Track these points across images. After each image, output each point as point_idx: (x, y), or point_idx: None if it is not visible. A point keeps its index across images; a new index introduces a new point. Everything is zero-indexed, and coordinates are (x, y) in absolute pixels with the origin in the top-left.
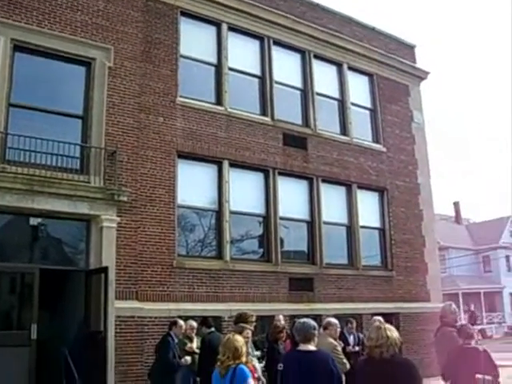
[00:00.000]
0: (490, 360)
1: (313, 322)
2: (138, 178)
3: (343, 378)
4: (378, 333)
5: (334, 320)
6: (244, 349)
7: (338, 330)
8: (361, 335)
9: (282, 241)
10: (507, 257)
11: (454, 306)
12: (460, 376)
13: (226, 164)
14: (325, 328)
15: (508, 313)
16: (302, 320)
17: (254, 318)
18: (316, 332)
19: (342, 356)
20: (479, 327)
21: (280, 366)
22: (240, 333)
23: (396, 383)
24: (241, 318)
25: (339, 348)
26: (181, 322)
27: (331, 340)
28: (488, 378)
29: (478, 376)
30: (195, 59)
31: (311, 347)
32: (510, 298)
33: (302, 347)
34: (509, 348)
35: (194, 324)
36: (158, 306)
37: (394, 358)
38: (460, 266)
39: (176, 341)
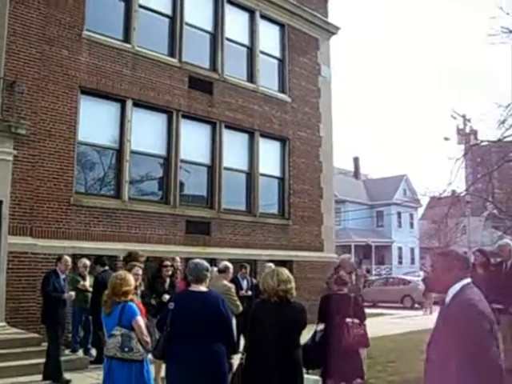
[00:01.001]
0: (358, 305)
1: (206, 264)
2: (38, 112)
3: (234, 320)
4: (288, 276)
5: (230, 264)
6: (132, 287)
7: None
8: (254, 280)
9: (181, 184)
10: (399, 213)
11: (352, 259)
12: (332, 320)
13: (129, 103)
14: (221, 271)
15: (395, 265)
16: (196, 261)
17: (144, 258)
18: (208, 274)
19: (236, 298)
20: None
21: (171, 305)
22: (129, 270)
23: (290, 325)
24: (131, 257)
25: (233, 290)
26: (65, 258)
27: (226, 282)
28: (356, 321)
29: (348, 320)
30: None
31: (202, 288)
32: (398, 251)
33: (194, 288)
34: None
35: (88, 262)
36: (53, 243)
37: (292, 302)
38: (354, 219)
39: (63, 277)
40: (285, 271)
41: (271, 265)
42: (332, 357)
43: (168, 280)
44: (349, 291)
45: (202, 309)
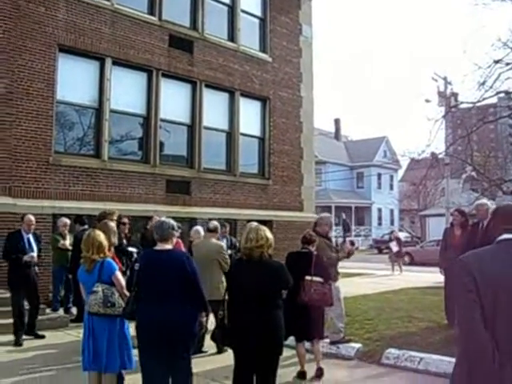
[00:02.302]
0: (321, 264)
1: (172, 222)
2: (15, 70)
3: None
4: (258, 234)
5: (218, 223)
6: (106, 243)
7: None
8: (233, 239)
9: (161, 143)
10: (379, 175)
11: (331, 219)
12: (294, 277)
13: (108, 61)
14: (212, 230)
15: (374, 227)
16: (162, 219)
17: (115, 216)
18: (175, 232)
19: (227, 256)
20: (349, 238)
21: (136, 266)
22: (101, 228)
23: (267, 284)
24: (103, 215)
25: (225, 248)
26: (28, 217)
27: (216, 241)
28: (317, 279)
29: (307, 277)
30: None
31: (168, 246)
32: (378, 213)
33: (159, 246)
34: (369, 259)
35: (67, 221)
36: (32, 203)
37: (269, 260)
38: (335, 180)
39: (27, 236)
40: (262, 229)
41: (256, 223)
42: (290, 314)
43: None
44: (318, 249)
45: (167, 268)
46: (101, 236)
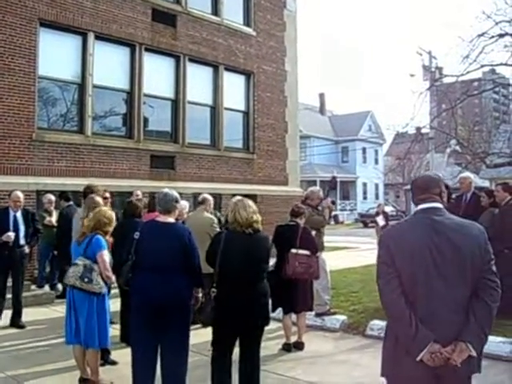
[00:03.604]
0: (307, 236)
1: (175, 195)
2: None
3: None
4: (251, 208)
5: (209, 196)
6: (109, 227)
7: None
8: (218, 214)
9: (145, 118)
10: (364, 149)
11: (321, 192)
12: (281, 250)
13: (91, 36)
14: (200, 203)
15: (360, 201)
16: (165, 191)
17: (101, 192)
18: (178, 205)
19: (217, 230)
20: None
21: (136, 235)
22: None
23: (260, 255)
24: (89, 189)
25: (216, 223)
26: (14, 194)
27: (208, 214)
28: (303, 252)
29: (292, 250)
30: None
31: (170, 219)
32: (363, 187)
33: (161, 218)
34: (354, 232)
35: (53, 197)
36: (16, 180)
37: (259, 233)
38: (320, 154)
39: (12, 214)
40: (251, 202)
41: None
42: (278, 287)
43: None
44: (306, 223)
45: (168, 240)
46: (107, 216)
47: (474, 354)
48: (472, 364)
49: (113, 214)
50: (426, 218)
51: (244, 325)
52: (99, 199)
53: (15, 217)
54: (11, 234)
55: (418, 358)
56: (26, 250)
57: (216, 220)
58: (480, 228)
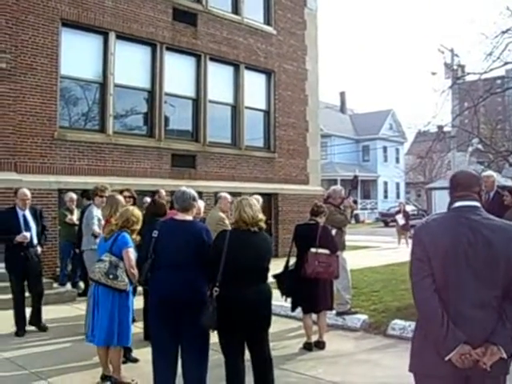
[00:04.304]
0: (327, 235)
1: (193, 193)
2: (19, 45)
3: None
4: (256, 207)
5: (226, 194)
6: (136, 226)
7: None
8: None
9: (166, 117)
10: (384, 148)
11: (344, 191)
12: (300, 249)
13: (112, 35)
14: (216, 202)
15: (381, 200)
16: (182, 189)
17: (107, 192)
18: (195, 203)
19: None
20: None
21: (155, 233)
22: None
23: (265, 254)
24: (98, 190)
25: (226, 221)
26: (22, 191)
27: (220, 213)
28: (323, 251)
29: (312, 250)
30: None
31: (188, 217)
32: (384, 186)
33: (179, 216)
34: (375, 232)
35: (74, 196)
36: (38, 179)
37: (261, 232)
38: (340, 153)
39: (22, 213)
40: (255, 201)
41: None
42: (297, 286)
43: None
44: (328, 221)
45: (185, 238)
46: (135, 215)
47: (505, 356)
48: (503, 366)
49: (140, 214)
50: (462, 217)
51: (250, 327)
52: (121, 198)
53: (24, 216)
54: (27, 234)
55: (447, 358)
56: (39, 250)
57: (226, 219)
58: None
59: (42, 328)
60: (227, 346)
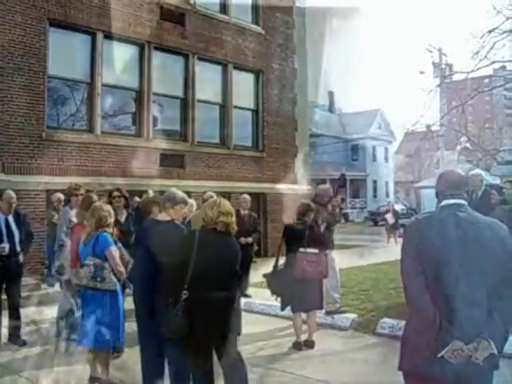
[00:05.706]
0: (315, 234)
1: (179, 194)
2: (6, 45)
3: None
4: (219, 209)
5: (211, 194)
6: (110, 219)
7: None
8: None
9: (155, 118)
10: (373, 147)
11: (331, 190)
12: (290, 249)
13: (100, 35)
14: (203, 201)
15: (370, 199)
16: (172, 190)
17: (82, 190)
18: (179, 205)
19: None
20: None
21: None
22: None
23: (230, 255)
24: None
25: None
26: (9, 193)
27: None
28: (311, 250)
29: (301, 249)
30: None
31: (168, 217)
32: (373, 185)
33: (160, 216)
34: (365, 231)
35: (61, 196)
36: (26, 179)
37: (230, 235)
38: (329, 153)
39: (5, 217)
40: (226, 203)
41: (212, 194)
42: (287, 286)
43: (124, 212)
44: (314, 221)
45: (164, 236)
46: (105, 210)
47: (495, 351)
48: (493, 361)
49: (109, 206)
50: (451, 214)
51: (220, 335)
52: (95, 197)
53: (7, 221)
54: (6, 246)
55: (440, 355)
56: (21, 259)
57: None
58: (502, 226)
59: (20, 343)
60: (196, 355)
